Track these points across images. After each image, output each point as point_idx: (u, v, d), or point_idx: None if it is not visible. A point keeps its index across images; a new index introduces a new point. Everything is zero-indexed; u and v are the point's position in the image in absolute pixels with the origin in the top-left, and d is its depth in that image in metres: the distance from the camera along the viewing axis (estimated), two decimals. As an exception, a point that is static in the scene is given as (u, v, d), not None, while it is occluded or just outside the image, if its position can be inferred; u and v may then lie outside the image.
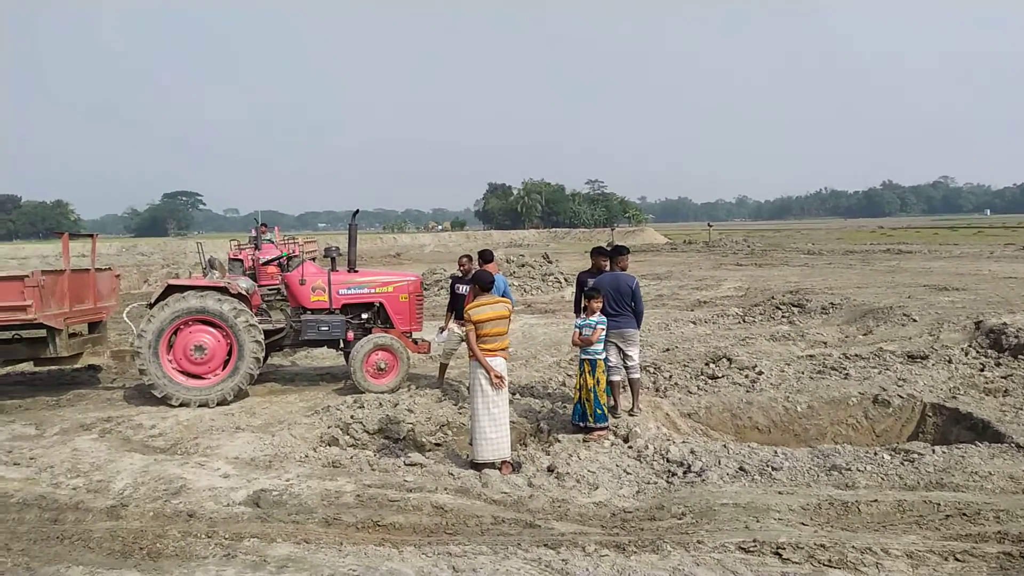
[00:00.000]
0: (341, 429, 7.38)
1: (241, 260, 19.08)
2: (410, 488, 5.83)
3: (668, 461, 6.46)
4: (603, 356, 7.13)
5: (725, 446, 6.77)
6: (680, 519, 5.26)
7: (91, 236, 10.53)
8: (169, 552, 4.75)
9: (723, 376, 9.21)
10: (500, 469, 6.31)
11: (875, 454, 6.41)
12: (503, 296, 8.08)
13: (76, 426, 7.65)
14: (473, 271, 8.26)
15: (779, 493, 5.69)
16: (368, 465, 6.43)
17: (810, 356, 10.44)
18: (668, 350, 11.30)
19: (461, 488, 5.88)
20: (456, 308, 8.94)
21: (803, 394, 8.49)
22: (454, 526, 5.18)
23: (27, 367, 9.99)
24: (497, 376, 6.23)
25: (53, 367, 9.58)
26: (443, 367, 9.09)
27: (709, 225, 65.97)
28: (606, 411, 7.05)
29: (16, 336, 9.05)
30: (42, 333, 8.57)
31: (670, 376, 9.33)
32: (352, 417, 7.59)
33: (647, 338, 11.97)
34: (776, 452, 6.56)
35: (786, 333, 12.68)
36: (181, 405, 8.27)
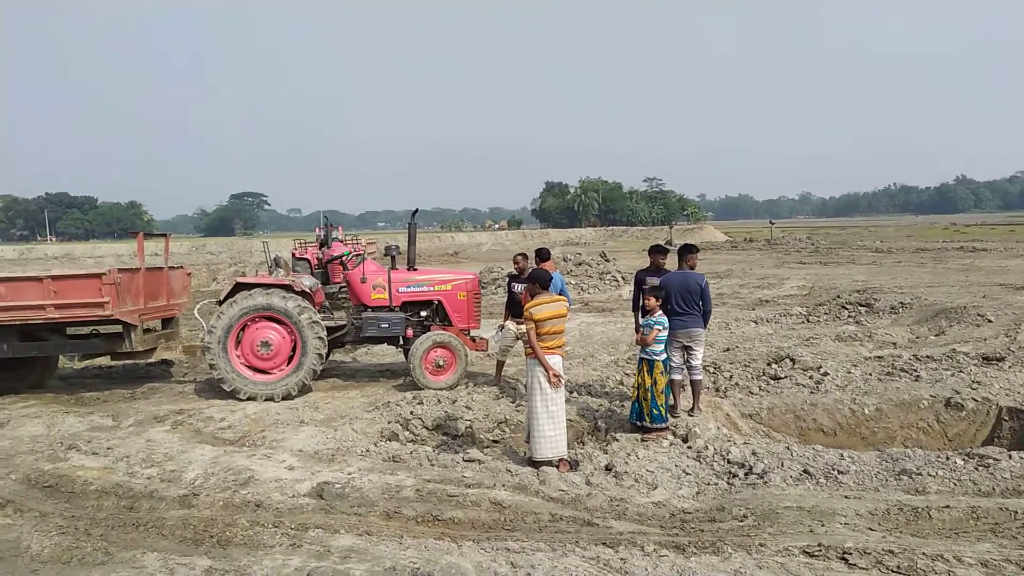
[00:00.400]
0: (401, 425, 7.51)
1: (307, 259, 19.50)
2: (469, 484, 5.89)
3: (729, 462, 6.37)
4: (661, 357, 7.05)
5: (788, 448, 6.63)
6: (741, 521, 5.18)
7: (164, 236, 10.95)
8: (238, 540, 4.92)
9: (786, 377, 9.00)
10: (558, 467, 6.31)
11: (947, 459, 6.17)
12: (560, 294, 8.09)
13: (150, 418, 7.97)
14: (529, 270, 8.30)
15: (845, 497, 5.54)
16: (427, 460, 6.52)
17: (878, 357, 10.12)
18: (729, 350, 11.10)
19: (519, 485, 5.91)
20: (512, 306, 8.99)
21: (871, 396, 8.23)
22: (512, 522, 5.22)
23: (104, 361, 10.46)
24: (555, 374, 6.24)
25: (129, 361, 9.99)
26: (500, 364, 9.14)
27: (771, 222, 64.54)
28: (664, 411, 6.98)
29: (94, 331, 9.49)
30: (118, 329, 8.95)
31: (731, 376, 9.18)
32: (411, 413, 7.71)
33: (707, 338, 11.78)
34: (842, 455, 6.39)
35: (852, 333, 12.31)
36: (248, 399, 8.54)
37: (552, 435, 6.29)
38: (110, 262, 36.11)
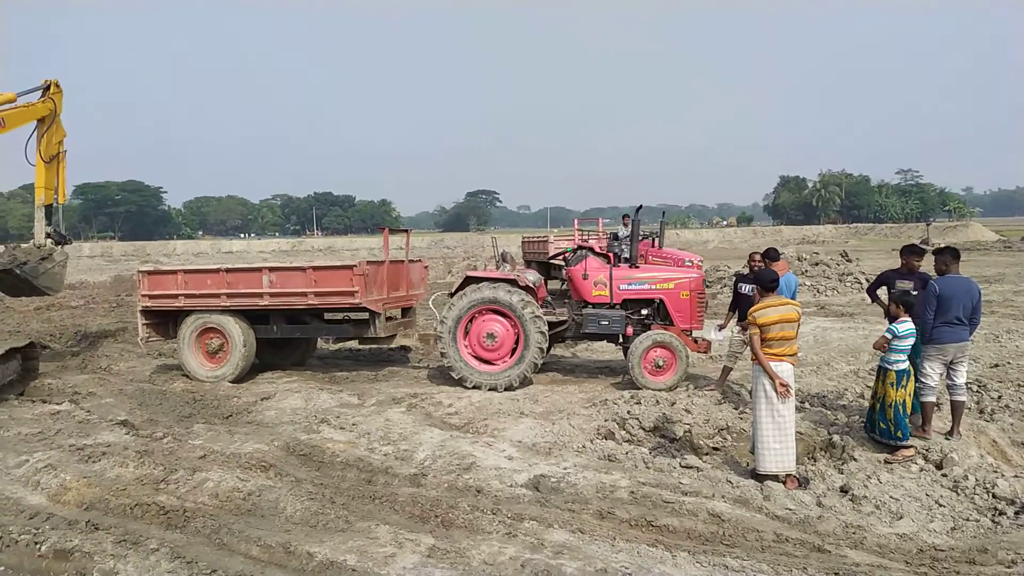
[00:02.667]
0: (617, 424, 7.44)
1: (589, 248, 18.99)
2: (685, 491, 5.68)
3: (995, 497, 5.51)
4: (896, 367, 6.31)
5: (1075, 488, 5.58)
6: (1009, 568, 4.45)
7: (406, 231, 11.87)
8: (459, 523, 5.17)
9: (1074, 402, 7.60)
10: (785, 483, 5.87)
11: None
12: (791, 297, 7.53)
13: (389, 399, 8.68)
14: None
15: None
16: (643, 462, 6.40)
17: None
18: (997, 366, 9.63)
19: (740, 498, 5.59)
20: (739, 308, 8.56)
21: None
22: (731, 537, 4.93)
23: (353, 344, 11.60)
24: (782, 384, 5.80)
25: (373, 346, 10.96)
26: (726, 370, 8.72)
27: (1058, 219, 55.02)
28: (891, 428, 6.25)
29: (346, 318, 10.55)
30: (365, 316, 9.86)
31: (999, 396, 7.94)
32: (629, 413, 7.61)
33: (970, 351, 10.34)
34: None
35: None
36: (474, 387, 8.99)
37: (777, 448, 5.86)
38: (363, 255, 40.07)
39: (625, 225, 17.69)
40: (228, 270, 9.93)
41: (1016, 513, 5.28)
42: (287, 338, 10.49)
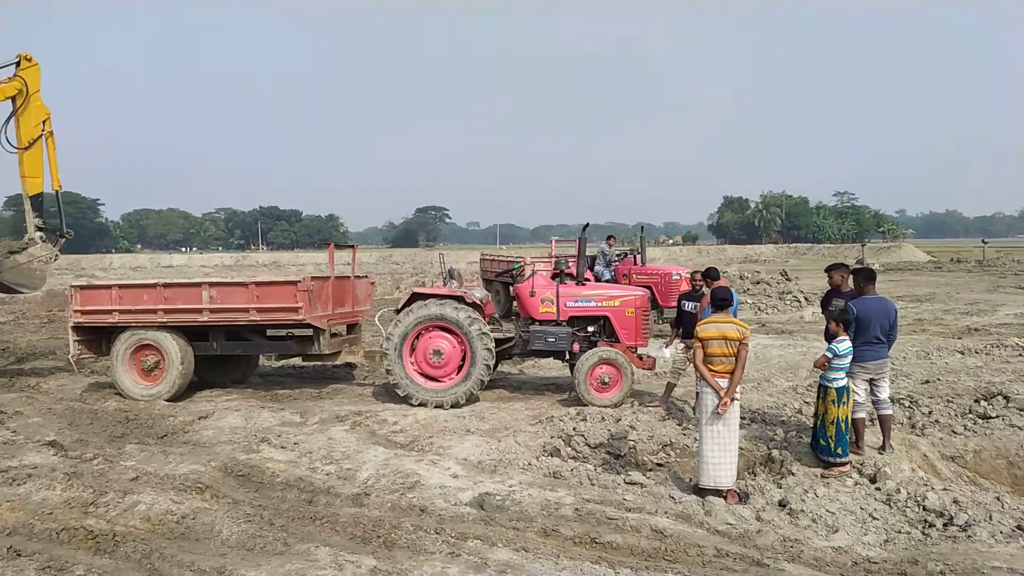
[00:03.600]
0: (563, 440, 7.45)
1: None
2: (629, 507, 5.72)
3: (925, 510, 5.70)
4: (835, 384, 6.49)
5: (999, 498, 5.83)
6: (938, 579, 4.59)
7: (352, 247, 11.75)
8: (402, 543, 5.09)
9: (997, 416, 7.93)
10: (725, 498, 5.96)
11: None
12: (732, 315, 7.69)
13: (332, 417, 8.53)
14: (704, 288, 8.07)
15: (1072, 564, 4.75)
16: (588, 479, 6.42)
17: (1119, 400, 8.65)
18: (928, 382, 10.00)
19: (682, 513, 5.65)
20: (682, 325, 8.69)
21: (1108, 446, 7.05)
22: (673, 553, 4.98)
23: (297, 361, 11.38)
24: (725, 399, 5.90)
25: (317, 363, 10.76)
26: (670, 386, 8.84)
27: (984, 241, 57.70)
28: (831, 445, 6.40)
29: (289, 334, 10.35)
30: (309, 332, 9.69)
31: (930, 412, 8.24)
32: (574, 429, 7.63)
33: (902, 367, 10.72)
34: (1069, 513, 5.50)
35: (1086, 371, 10.63)
36: (419, 404, 8.90)
37: (718, 463, 5.96)
38: (309, 270, 39.50)
39: (610, 245, 17.76)
40: (166, 285, 9.65)
41: (945, 525, 5.46)
42: (227, 355, 10.23)
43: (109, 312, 9.59)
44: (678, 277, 14.95)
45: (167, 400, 9.40)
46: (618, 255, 17.64)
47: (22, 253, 10.77)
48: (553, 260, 18.81)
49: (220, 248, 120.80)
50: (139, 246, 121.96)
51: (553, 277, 9.70)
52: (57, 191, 11.37)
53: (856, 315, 6.65)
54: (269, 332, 10.22)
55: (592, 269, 16.36)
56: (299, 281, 9.25)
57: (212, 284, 9.60)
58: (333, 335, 10.04)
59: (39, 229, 10.97)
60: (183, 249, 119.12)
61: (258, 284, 9.45)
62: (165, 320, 9.47)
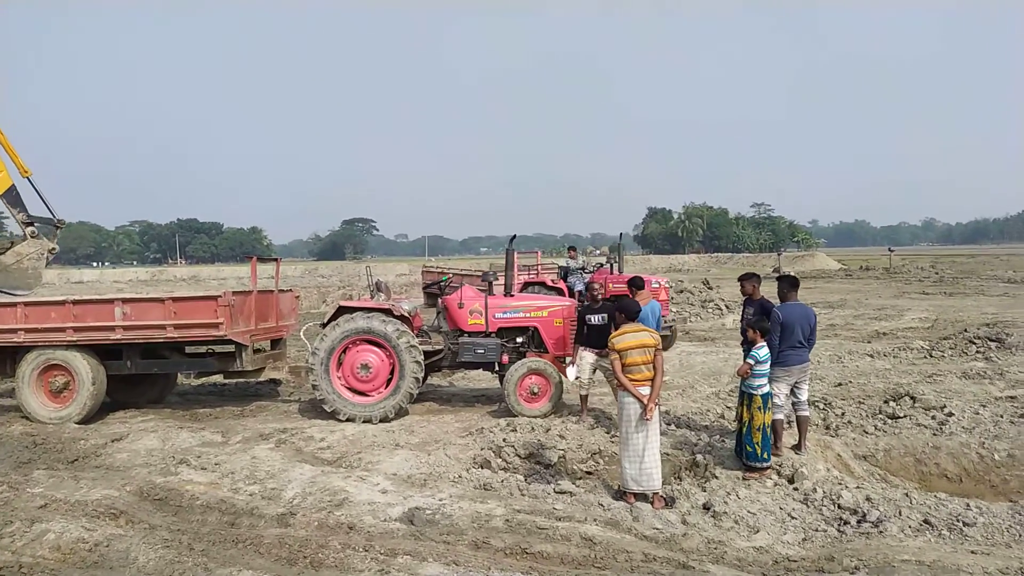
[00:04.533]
0: (493, 452, 7.46)
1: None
2: (559, 517, 5.75)
3: (840, 507, 5.94)
4: (759, 391, 6.71)
5: (907, 495, 6.12)
6: (852, 573, 4.80)
7: (276, 260, 11.47)
8: (330, 563, 4.98)
9: (905, 416, 8.36)
10: (652, 502, 6.08)
11: (1095, 516, 5.52)
12: (656, 324, 7.87)
13: (256, 435, 8.28)
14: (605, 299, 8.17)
15: (972, 552, 5.05)
16: (518, 490, 6.43)
17: (1011, 397, 9.25)
18: (841, 385, 10.46)
19: (611, 520, 5.72)
20: (589, 338, 8.61)
21: (1002, 440, 7.52)
22: (603, 560, 5.03)
23: (218, 379, 11.00)
24: (649, 405, 6.02)
25: (240, 379, 10.45)
26: (583, 398, 8.81)
27: (890, 250, 60.86)
28: (758, 450, 6.60)
29: (209, 351, 10.01)
30: (231, 348, 9.40)
31: (842, 413, 8.61)
32: (504, 440, 7.65)
33: (816, 371, 11.18)
34: (969, 505, 5.84)
35: (981, 371, 11.33)
36: (347, 420, 8.74)
37: (642, 468, 6.07)
38: (231, 284, 38.30)
39: (572, 257, 17.10)
40: (76, 302, 9.17)
41: (858, 522, 5.70)
42: (143, 374, 9.80)
43: (14, 331, 9.06)
44: (656, 286, 14.15)
45: (77, 423, 8.93)
46: (594, 265, 17.05)
47: (7, 253, 10.05)
48: (537, 270, 18.39)
49: (135, 263, 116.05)
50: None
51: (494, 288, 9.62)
52: (28, 178, 10.60)
53: (781, 321, 6.91)
54: (188, 349, 9.86)
55: (565, 280, 16.13)
56: (220, 296, 8.96)
57: (126, 300, 9.19)
58: (256, 351, 9.77)
59: (27, 224, 10.22)
60: (94, 264, 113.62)
61: (175, 300, 9.11)
62: (75, 339, 9.01)
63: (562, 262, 17.86)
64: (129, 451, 7.77)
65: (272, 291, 10.34)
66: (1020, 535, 5.34)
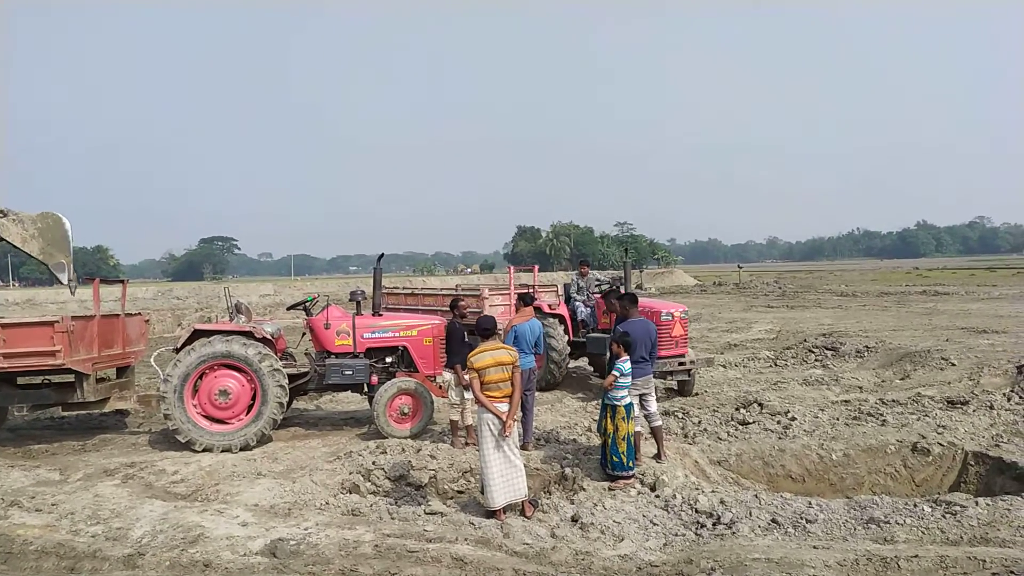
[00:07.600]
0: (362, 476, 7.28)
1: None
2: (429, 538, 5.69)
3: (697, 512, 6.25)
4: (622, 403, 6.97)
5: (757, 496, 6.53)
6: (708, 575, 5.04)
7: (122, 281, 10.70)
8: (182, 604, 4.66)
9: (754, 422, 8.96)
10: (523, 510, 6.18)
11: (915, 506, 6.13)
12: (536, 343, 7.98)
13: (100, 471, 7.64)
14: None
15: (814, 548, 5.44)
16: (388, 513, 6.31)
17: (845, 401, 10.15)
18: (697, 394, 11.06)
19: (482, 538, 5.72)
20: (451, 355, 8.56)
21: (838, 441, 8.21)
22: (474, 579, 5.02)
23: (56, 411, 10.07)
24: (507, 422, 6.10)
25: (81, 412, 9.62)
26: (454, 423, 8.67)
27: (739, 267, 65.35)
28: (624, 460, 6.85)
29: (45, 381, 9.15)
30: (70, 378, 8.64)
31: (699, 421, 9.11)
32: (374, 463, 7.49)
33: (673, 383, 11.74)
34: (811, 503, 6.32)
35: (819, 377, 12.37)
36: (204, 450, 8.24)
37: (506, 479, 6.14)
38: (73, 308, 35.26)
39: (583, 273, 14.15)
40: None
41: (714, 524, 6.02)
42: (-35, 409, 8.82)
43: None
44: (669, 318, 11.04)
45: None
46: (597, 285, 13.83)
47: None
48: (512, 289, 15.55)
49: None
50: None
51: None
52: None
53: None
54: (20, 380, 8.97)
55: (567, 303, 13.41)
56: (57, 321, 8.23)
57: (-55, 327, 8.26)
58: (100, 380, 9.04)
59: None
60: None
61: (5, 326, 8.28)
62: None
63: (569, 281, 14.81)
64: (-52, 496, 6.94)
65: (118, 315, 9.62)
66: (855, 529, 5.83)
